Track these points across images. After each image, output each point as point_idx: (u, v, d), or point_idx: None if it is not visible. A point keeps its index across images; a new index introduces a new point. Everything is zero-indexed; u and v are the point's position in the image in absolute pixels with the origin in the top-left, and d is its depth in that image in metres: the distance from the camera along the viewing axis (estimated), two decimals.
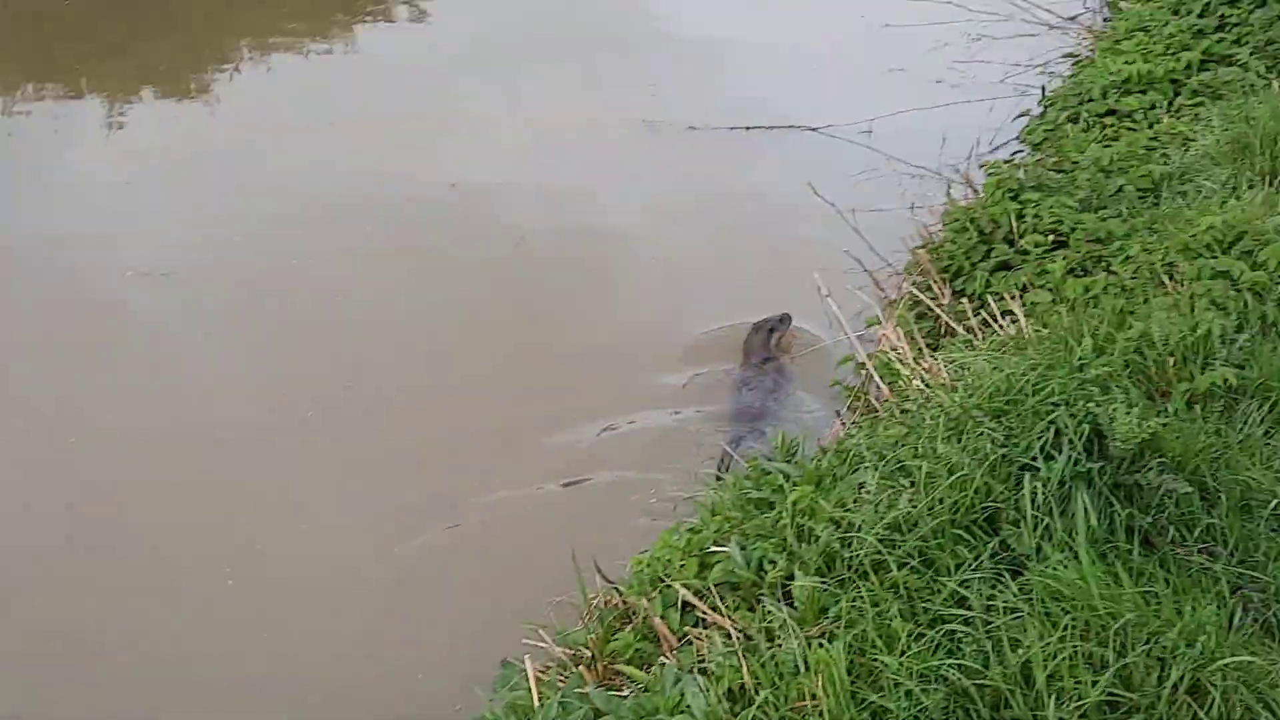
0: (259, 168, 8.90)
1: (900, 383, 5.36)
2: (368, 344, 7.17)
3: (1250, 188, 6.03)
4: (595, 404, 6.59)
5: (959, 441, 4.30)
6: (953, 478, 4.10)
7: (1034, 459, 4.07)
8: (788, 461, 5.01)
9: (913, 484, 4.22)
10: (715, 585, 4.29)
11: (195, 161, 9.08)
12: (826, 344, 6.92)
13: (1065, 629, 3.57)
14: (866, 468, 4.45)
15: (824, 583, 4.00)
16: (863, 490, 4.32)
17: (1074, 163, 6.76)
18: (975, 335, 5.68)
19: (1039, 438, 4.09)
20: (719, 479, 5.66)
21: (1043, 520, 3.92)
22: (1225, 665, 3.48)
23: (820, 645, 3.73)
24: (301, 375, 6.91)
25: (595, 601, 4.67)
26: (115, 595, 5.58)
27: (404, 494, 6.06)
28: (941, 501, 4.07)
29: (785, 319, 7.01)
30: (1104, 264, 5.80)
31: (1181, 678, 3.46)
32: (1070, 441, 4.07)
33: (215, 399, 6.76)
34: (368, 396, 6.75)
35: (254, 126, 9.64)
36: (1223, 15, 8.14)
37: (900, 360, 5.49)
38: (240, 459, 6.33)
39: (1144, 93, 7.68)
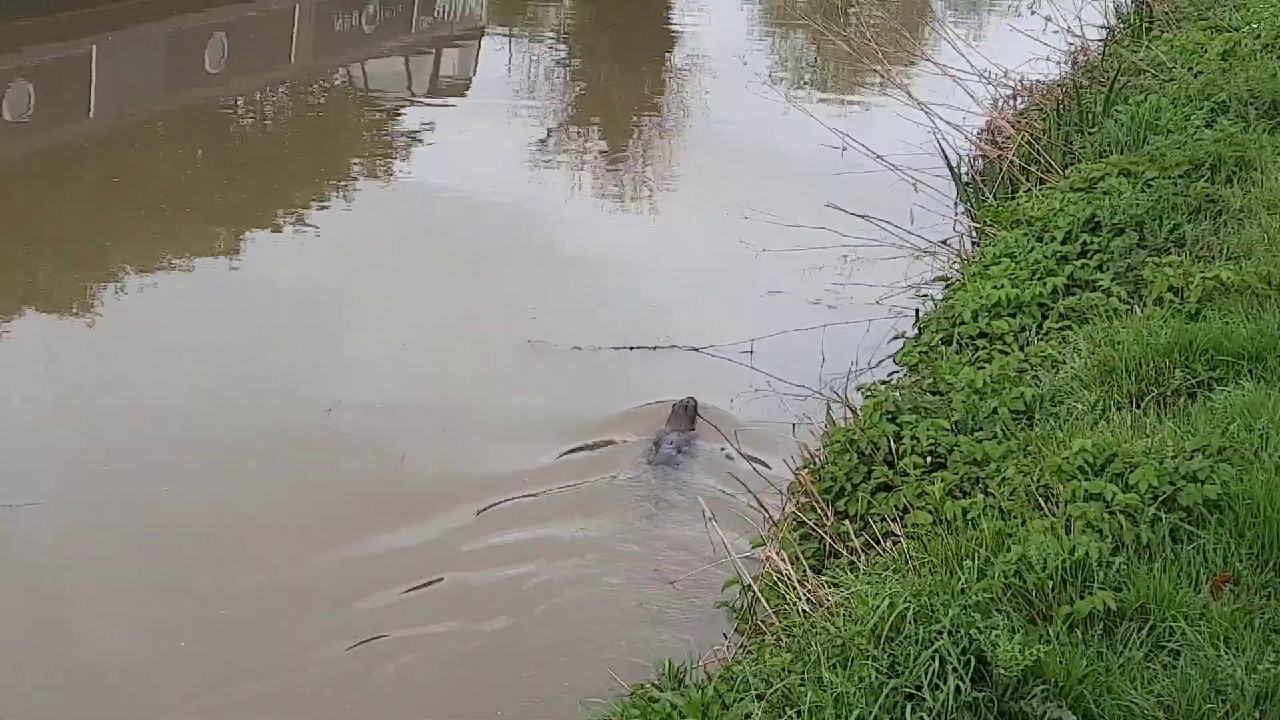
0: (131, 391, 8.73)
1: (785, 606, 5.33)
2: (243, 571, 6.97)
3: (1119, 410, 6.17)
4: (472, 616, 6.60)
5: (844, 669, 4.26)
6: (839, 708, 4.05)
7: (919, 687, 4.05)
8: (674, 689, 4.91)
9: (799, 714, 4.16)
10: None
11: (65, 386, 8.85)
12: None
13: None
14: (753, 696, 4.38)
15: None
16: None
17: (949, 384, 6.89)
18: (859, 556, 5.69)
19: (924, 666, 4.07)
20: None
21: None
22: None
23: None
24: (176, 603, 6.69)
25: None
26: None
27: None
28: None
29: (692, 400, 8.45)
30: (982, 485, 5.87)
31: None
32: (954, 669, 4.06)
33: (87, 629, 6.53)
34: (243, 623, 6.56)
35: (128, 348, 9.49)
36: (1084, 242, 8.43)
37: (785, 583, 5.46)
38: (115, 686, 6.15)
39: (1013, 316, 7.89)
